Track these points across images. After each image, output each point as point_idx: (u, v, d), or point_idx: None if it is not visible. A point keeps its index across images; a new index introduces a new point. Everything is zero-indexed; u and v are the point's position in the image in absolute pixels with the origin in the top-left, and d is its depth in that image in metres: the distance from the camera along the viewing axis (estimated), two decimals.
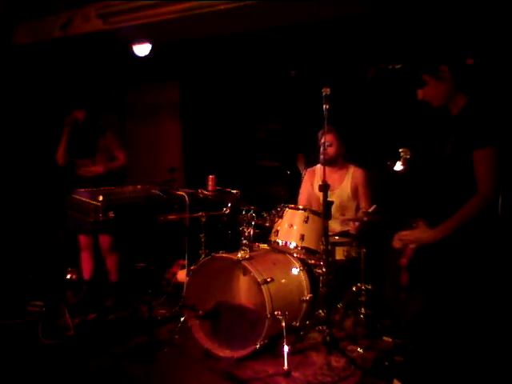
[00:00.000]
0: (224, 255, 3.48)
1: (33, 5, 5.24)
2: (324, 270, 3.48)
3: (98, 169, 4.37)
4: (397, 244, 2.52)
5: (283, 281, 3.50)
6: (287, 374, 3.10)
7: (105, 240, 4.40)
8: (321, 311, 3.49)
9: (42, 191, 5.62)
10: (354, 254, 3.74)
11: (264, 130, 6.08)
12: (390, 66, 4.82)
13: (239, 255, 3.42)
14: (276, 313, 3.24)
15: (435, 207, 2.42)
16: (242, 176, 5.52)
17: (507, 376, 2.48)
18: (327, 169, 3.58)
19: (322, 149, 3.84)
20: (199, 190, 3.97)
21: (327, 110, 3.31)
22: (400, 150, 3.03)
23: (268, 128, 6.04)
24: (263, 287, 3.25)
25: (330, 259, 3.56)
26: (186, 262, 3.91)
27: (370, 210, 3.59)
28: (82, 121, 4.38)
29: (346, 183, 4.08)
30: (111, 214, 3.56)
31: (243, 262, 3.36)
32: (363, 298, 3.63)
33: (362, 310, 3.63)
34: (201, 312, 3.51)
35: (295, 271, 3.61)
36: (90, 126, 4.43)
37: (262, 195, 4.60)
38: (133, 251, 4.82)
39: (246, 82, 5.78)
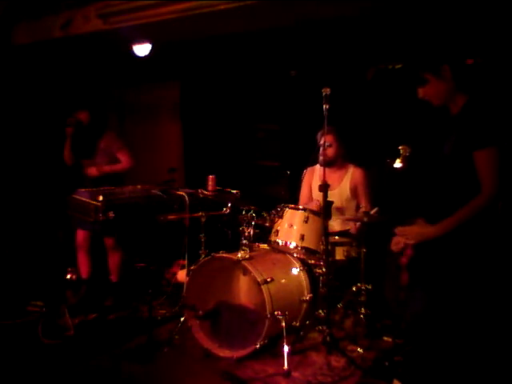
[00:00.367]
0: (224, 255, 3.48)
1: (33, 5, 5.23)
2: (324, 270, 3.49)
3: (93, 171, 4.37)
4: (394, 247, 2.52)
5: (283, 281, 3.50)
6: (287, 374, 3.10)
7: (109, 238, 4.40)
8: (321, 311, 3.50)
9: (42, 192, 5.62)
10: (353, 254, 3.74)
11: (264, 130, 6.08)
12: (390, 66, 4.81)
13: (239, 255, 3.42)
14: (276, 313, 3.24)
15: (434, 206, 2.42)
16: (242, 176, 5.51)
17: (507, 376, 2.47)
18: (327, 169, 3.59)
19: (321, 150, 3.84)
20: (199, 190, 3.96)
21: (327, 110, 3.31)
22: (399, 148, 3.03)
23: (268, 128, 6.04)
24: (263, 287, 3.25)
25: (330, 259, 3.56)
26: (185, 262, 3.91)
27: (372, 213, 3.59)
28: (85, 122, 4.38)
29: (345, 183, 4.08)
30: (111, 214, 3.56)
31: (243, 262, 3.36)
32: (363, 298, 3.63)
33: (362, 310, 3.63)
34: (201, 312, 3.51)
35: (295, 271, 3.61)
36: (92, 127, 4.43)
37: (262, 195, 4.59)
38: (133, 251, 4.82)
39: (246, 82, 5.77)
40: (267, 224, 3.77)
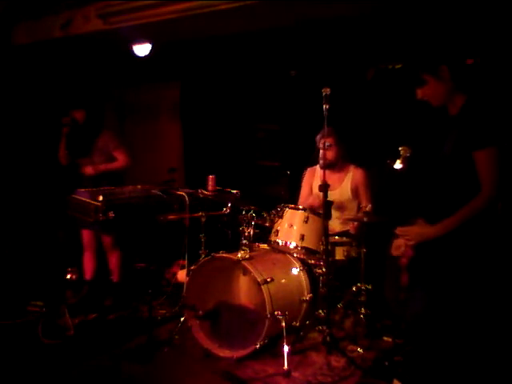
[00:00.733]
0: (224, 255, 3.48)
1: (33, 5, 5.23)
2: (324, 270, 3.49)
3: (88, 170, 4.36)
4: (395, 252, 2.53)
5: (283, 281, 3.50)
6: (287, 374, 3.10)
7: (106, 238, 4.40)
8: (321, 311, 3.50)
9: (42, 191, 5.62)
10: (353, 254, 3.74)
11: (264, 130, 6.08)
12: (390, 66, 4.81)
13: (239, 255, 3.42)
14: (276, 313, 3.24)
15: (434, 206, 2.42)
16: (242, 176, 5.51)
17: (507, 376, 2.47)
18: (327, 169, 3.59)
19: (321, 152, 3.83)
20: (199, 190, 3.97)
21: (327, 110, 3.31)
22: (400, 149, 3.03)
23: (268, 128, 6.04)
24: (263, 287, 3.25)
25: (330, 259, 3.56)
26: (186, 262, 3.91)
27: (367, 209, 3.59)
28: (81, 121, 4.37)
29: (346, 183, 4.08)
30: (111, 214, 3.56)
31: (243, 262, 3.36)
32: (363, 298, 3.63)
33: (362, 310, 3.63)
34: (201, 312, 3.51)
35: (295, 271, 3.61)
36: (88, 126, 4.42)
37: (262, 195, 4.59)
38: (133, 251, 4.82)
39: (246, 82, 5.77)
40: (267, 224, 3.77)
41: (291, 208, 3.73)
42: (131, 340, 3.64)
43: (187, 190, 4.01)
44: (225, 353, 3.38)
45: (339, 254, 3.77)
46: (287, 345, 3.17)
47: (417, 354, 2.46)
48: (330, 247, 3.53)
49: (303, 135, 4.89)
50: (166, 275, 4.90)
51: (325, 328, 3.38)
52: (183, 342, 3.58)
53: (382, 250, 3.45)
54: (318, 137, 3.92)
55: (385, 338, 3.56)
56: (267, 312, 3.21)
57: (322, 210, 3.44)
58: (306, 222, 3.61)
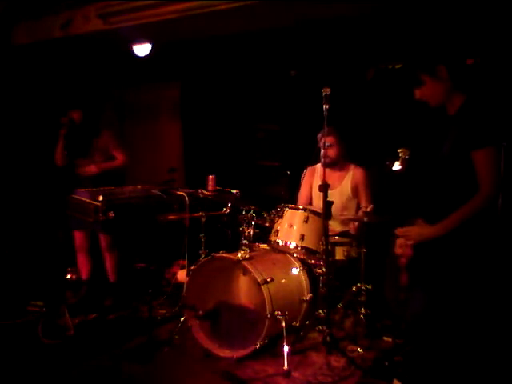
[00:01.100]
0: (224, 255, 3.48)
1: (33, 5, 5.23)
2: (324, 270, 3.48)
3: (92, 169, 4.37)
4: (399, 250, 2.52)
5: (283, 281, 3.50)
6: (287, 374, 3.10)
7: (104, 239, 4.40)
8: (321, 311, 3.49)
9: (41, 192, 5.62)
10: (353, 254, 3.74)
11: (264, 130, 6.08)
12: (390, 66, 4.81)
13: (239, 255, 3.42)
14: (276, 313, 3.24)
15: (434, 207, 2.42)
16: (242, 176, 5.51)
17: (507, 376, 2.48)
18: (327, 169, 3.59)
19: (322, 151, 3.84)
20: (199, 190, 3.97)
21: (327, 110, 3.31)
22: (399, 150, 3.03)
23: (268, 128, 6.04)
24: (263, 287, 3.25)
25: (330, 259, 3.56)
26: (186, 262, 3.91)
27: (368, 210, 3.59)
28: (78, 121, 4.37)
29: (346, 182, 4.08)
30: (111, 214, 3.56)
31: (243, 262, 3.36)
32: (363, 298, 3.63)
33: (362, 310, 3.63)
34: (201, 312, 3.51)
35: (295, 271, 3.61)
36: (86, 127, 4.43)
37: (262, 195, 4.59)
38: (133, 251, 4.82)
39: (246, 82, 5.77)
40: (267, 224, 3.77)
41: (291, 208, 3.73)
42: (131, 340, 3.64)
43: (187, 190, 4.01)
44: (225, 353, 3.38)
45: (339, 253, 3.76)
46: (287, 345, 3.17)
47: (417, 354, 2.46)
48: (329, 247, 3.53)
49: (303, 135, 4.89)
50: (166, 275, 4.90)
51: (325, 328, 3.38)
52: (183, 342, 3.58)
53: (382, 250, 3.45)
54: (320, 135, 3.92)
55: (385, 338, 3.56)
56: (267, 312, 3.21)
57: (322, 210, 3.44)
58: (306, 221, 3.61)
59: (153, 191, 4.02)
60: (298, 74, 5.41)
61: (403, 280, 2.64)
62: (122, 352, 3.45)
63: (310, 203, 4.18)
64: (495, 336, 2.43)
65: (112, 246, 4.42)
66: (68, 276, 4.44)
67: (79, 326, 3.87)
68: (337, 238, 3.87)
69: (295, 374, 3.14)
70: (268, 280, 3.31)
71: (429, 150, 2.66)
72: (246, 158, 6.08)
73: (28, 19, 5.39)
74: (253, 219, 3.69)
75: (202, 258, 3.73)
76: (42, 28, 5.32)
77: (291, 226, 3.65)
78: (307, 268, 3.68)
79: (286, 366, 3.11)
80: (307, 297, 3.54)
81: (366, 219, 3.53)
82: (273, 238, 3.71)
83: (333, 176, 4.02)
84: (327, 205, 3.41)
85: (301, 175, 4.25)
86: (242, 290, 3.48)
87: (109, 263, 4.46)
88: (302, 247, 3.59)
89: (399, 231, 2.47)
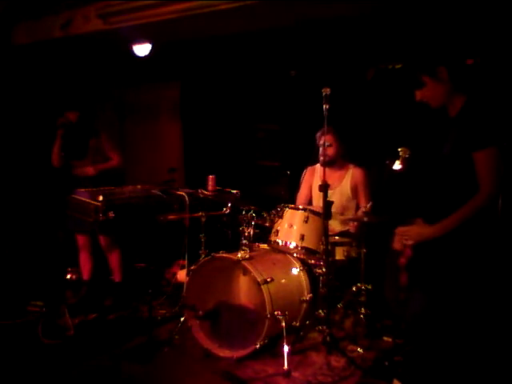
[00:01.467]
0: (224, 255, 3.48)
1: (33, 5, 5.23)
2: (324, 270, 3.48)
3: (88, 170, 4.37)
4: (397, 245, 2.52)
5: (283, 281, 3.50)
6: (287, 374, 3.10)
7: (103, 238, 4.40)
8: (321, 311, 3.49)
9: (41, 192, 5.61)
10: (353, 254, 3.74)
11: (264, 130, 6.08)
12: (390, 66, 4.81)
13: (239, 255, 3.42)
14: (276, 313, 3.24)
15: (434, 207, 2.42)
16: (242, 176, 5.51)
17: (507, 376, 2.48)
18: (327, 168, 3.59)
19: (321, 150, 3.84)
20: (199, 190, 3.97)
21: (327, 110, 3.31)
22: (399, 150, 3.03)
23: (268, 128, 6.04)
24: (263, 287, 3.25)
25: (330, 259, 3.56)
26: (186, 262, 3.91)
27: (367, 207, 3.59)
28: (74, 122, 4.37)
29: (345, 182, 4.08)
30: (111, 214, 3.56)
31: (243, 262, 3.36)
32: (363, 298, 3.63)
33: (362, 310, 3.64)
34: (201, 312, 3.51)
35: (295, 271, 3.61)
36: (82, 127, 4.43)
37: (262, 195, 4.59)
38: (133, 251, 4.82)
39: (246, 82, 5.77)
40: (267, 224, 3.77)
41: (291, 208, 3.73)
42: (131, 340, 3.64)
43: (187, 190, 4.01)
44: (225, 353, 3.38)
45: (339, 253, 3.77)
46: (287, 345, 3.17)
47: (417, 354, 2.46)
48: (330, 247, 3.53)
49: (303, 135, 4.89)
50: (166, 275, 4.90)
51: (325, 328, 3.38)
52: (183, 342, 3.58)
53: (382, 250, 3.45)
54: (318, 134, 3.93)
55: (385, 338, 3.56)
56: (267, 312, 3.21)
57: (322, 210, 3.44)
58: (306, 221, 3.61)
59: (153, 191, 4.03)
60: (298, 73, 5.41)
61: (403, 280, 2.64)
62: (121, 352, 3.45)
63: (310, 203, 4.18)
64: (495, 336, 2.43)
65: (112, 245, 4.42)
66: (68, 276, 4.44)
67: (79, 326, 3.87)
68: (337, 237, 3.87)
69: (295, 374, 3.14)
70: (268, 280, 3.31)
71: (429, 150, 2.66)
72: (246, 157, 6.08)
73: (28, 19, 5.39)
74: (253, 219, 3.69)
75: (202, 258, 3.73)
76: (42, 28, 5.32)
77: (291, 225, 3.65)
78: (307, 268, 3.68)
79: (286, 366, 3.11)
80: (307, 297, 3.54)
81: (365, 219, 3.53)
82: (273, 238, 3.71)
83: (333, 176, 4.02)
84: (327, 205, 3.41)
85: (301, 175, 4.25)
86: (242, 290, 3.48)
87: (113, 262, 4.46)
88: (302, 247, 3.59)
89: (399, 231, 2.47)
